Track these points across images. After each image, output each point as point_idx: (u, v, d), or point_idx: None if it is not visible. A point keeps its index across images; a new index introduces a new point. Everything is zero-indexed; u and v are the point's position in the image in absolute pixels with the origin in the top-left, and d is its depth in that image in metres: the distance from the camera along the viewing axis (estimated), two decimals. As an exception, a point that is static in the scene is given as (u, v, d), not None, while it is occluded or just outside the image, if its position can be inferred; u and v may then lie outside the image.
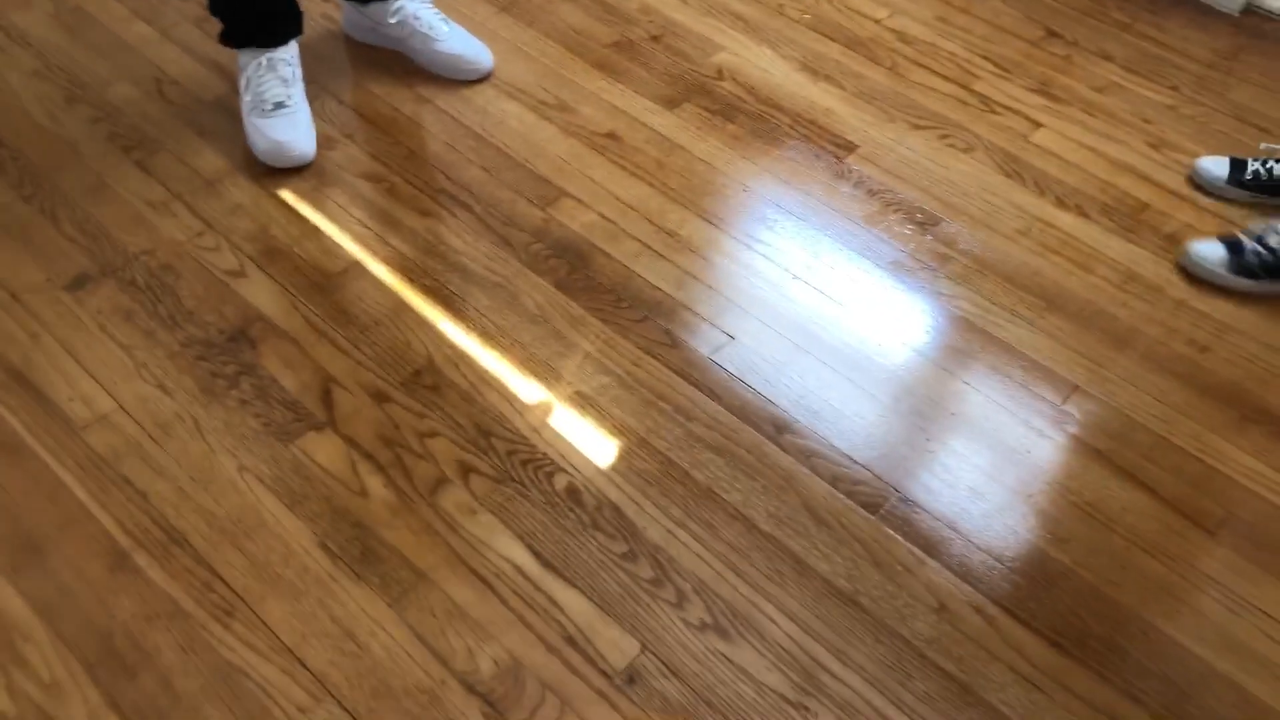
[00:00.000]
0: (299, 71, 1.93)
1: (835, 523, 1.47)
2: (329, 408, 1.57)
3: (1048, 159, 2.01)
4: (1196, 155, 2.01)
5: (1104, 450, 1.58)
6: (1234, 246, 1.77)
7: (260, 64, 1.89)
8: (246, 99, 1.89)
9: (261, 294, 1.71)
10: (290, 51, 1.92)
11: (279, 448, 1.51)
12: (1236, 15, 2.31)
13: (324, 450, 1.51)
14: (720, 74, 2.14)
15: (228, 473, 1.48)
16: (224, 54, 2.08)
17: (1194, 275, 1.79)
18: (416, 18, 2.05)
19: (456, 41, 2.07)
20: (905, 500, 1.51)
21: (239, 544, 1.41)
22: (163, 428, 1.53)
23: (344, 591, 1.37)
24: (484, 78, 2.09)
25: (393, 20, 2.06)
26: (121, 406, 1.55)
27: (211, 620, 1.34)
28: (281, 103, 1.88)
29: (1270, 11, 2.31)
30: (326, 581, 1.38)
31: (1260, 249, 1.75)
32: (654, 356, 1.67)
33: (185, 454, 1.50)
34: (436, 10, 2.09)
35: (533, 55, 2.15)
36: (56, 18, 2.15)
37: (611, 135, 2.01)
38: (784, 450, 1.55)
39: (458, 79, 2.07)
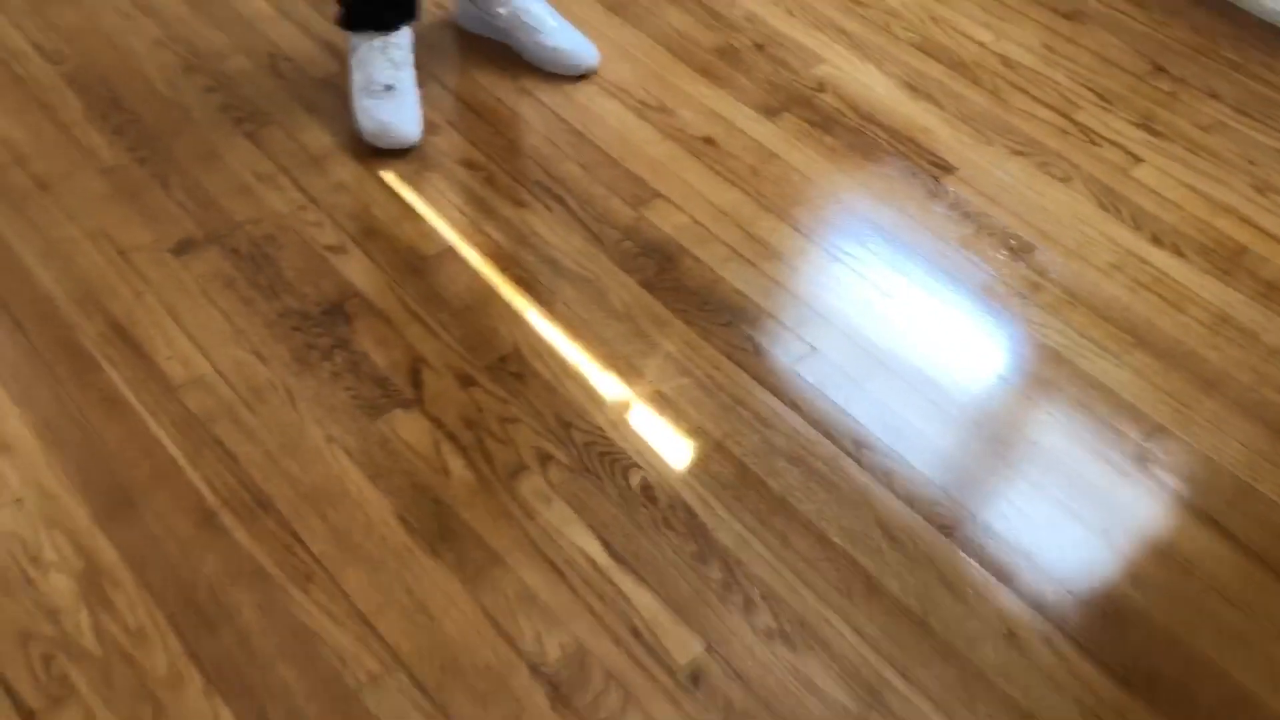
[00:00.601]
0: (410, 56, 1.97)
1: (909, 542, 1.47)
2: (417, 387, 1.60)
3: (1146, 195, 1.98)
4: (1302, 202, 1.98)
5: (1185, 493, 1.56)
6: None
7: (373, 46, 1.93)
8: (356, 79, 1.94)
9: (359, 271, 1.75)
10: (403, 36, 1.96)
11: (366, 422, 1.55)
12: (1353, 62, 2.27)
13: (409, 428, 1.55)
14: (821, 86, 2.14)
15: (315, 442, 1.52)
16: (336, 34, 2.14)
17: None
18: (526, 11, 2.09)
19: (563, 37, 2.10)
20: (981, 525, 1.50)
21: (322, 512, 1.45)
22: (256, 393, 1.57)
23: (420, 566, 1.40)
24: (587, 75, 2.11)
25: (502, 11, 2.09)
26: (217, 370, 1.60)
27: (291, 583, 1.37)
28: (391, 85, 1.92)
29: (1389, 60, 2.27)
30: (404, 555, 1.41)
31: None
32: (735, 362, 1.68)
33: (276, 421, 1.54)
34: (546, 5, 2.12)
35: (637, 56, 2.17)
36: (180, -11, 2.22)
37: (709, 140, 2.02)
38: (861, 466, 1.55)
39: (562, 74, 2.10)
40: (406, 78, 1.95)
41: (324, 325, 1.67)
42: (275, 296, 1.70)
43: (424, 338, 1.67)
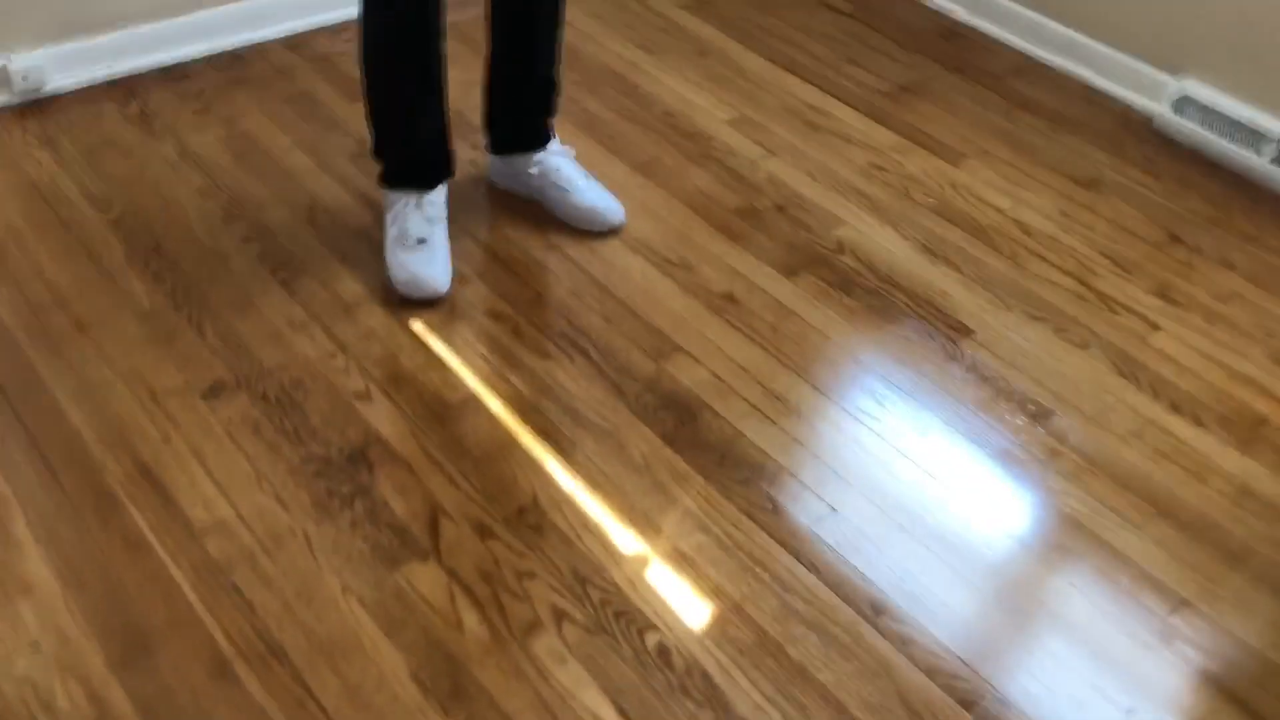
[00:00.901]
0: (444, 212, 2.04)
1: (929, 716, 1.44)
2: (435, 537, 1.61)
3: (1165, 363, 2.00)
4: (1320, 374, 1.99)
5: (1211, 671, 1.53)
6: None
7: (409, 203, 2.00)
8: (391, 232, 2.00)
9: (383, 418, 1.77)
10: (439, 194, 2.04)
11: (384, 572, 1.55)
12: (1366, 236, 2.31)
13: (426, 579, 1.55)
14: (841, 247, 2.20)
15: (332, 592, 1.52)
16: (373, 186, 2.21)
17: None
18: (557, 170, 2.16)
19: (592, 195, 2.17)
20: (1002, 700, 1.47)
21: (335, 665, 1.44)
22: (276, 540, 1.58)
23: (430, 725, 1.38)
24: (613, 231, 2.17)
25: (533, 170, 2.17)
26: (239, 515, 1.61)
27: (299, 738, 1.36)
28: (424, 239, 1.98)
29: (1402, 236, 2.30)
30: (415, 714, 1.39)
31: None
32: (755, 520, 1.68)
33: (294, 568, 1.54)
34: (576, 164, 2.20)
35: (661, 214, 2.23)
36: (227, 142, 2.32)
37: (729, 297, 2.07)
38: (881, 634, 1.54)
39: (589, 230, 2.16)
40: (439, 232, 2.01)
41: (346, 472, 1.69)
42: (300, 442, 1.72)
43: (444, 487, 1.68)
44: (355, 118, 2.39)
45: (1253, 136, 2.43)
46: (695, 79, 2.63)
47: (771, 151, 2.43)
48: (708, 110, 2.53)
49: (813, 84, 2.63)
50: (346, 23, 2.65)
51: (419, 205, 2.00)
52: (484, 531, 1.63)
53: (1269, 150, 2.41)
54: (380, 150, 2.02)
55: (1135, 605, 1.61)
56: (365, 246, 2.08)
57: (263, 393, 1.79)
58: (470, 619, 1.50)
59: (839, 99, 2.59)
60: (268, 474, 1.67)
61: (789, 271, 2.14)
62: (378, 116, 1.98)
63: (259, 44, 2.61)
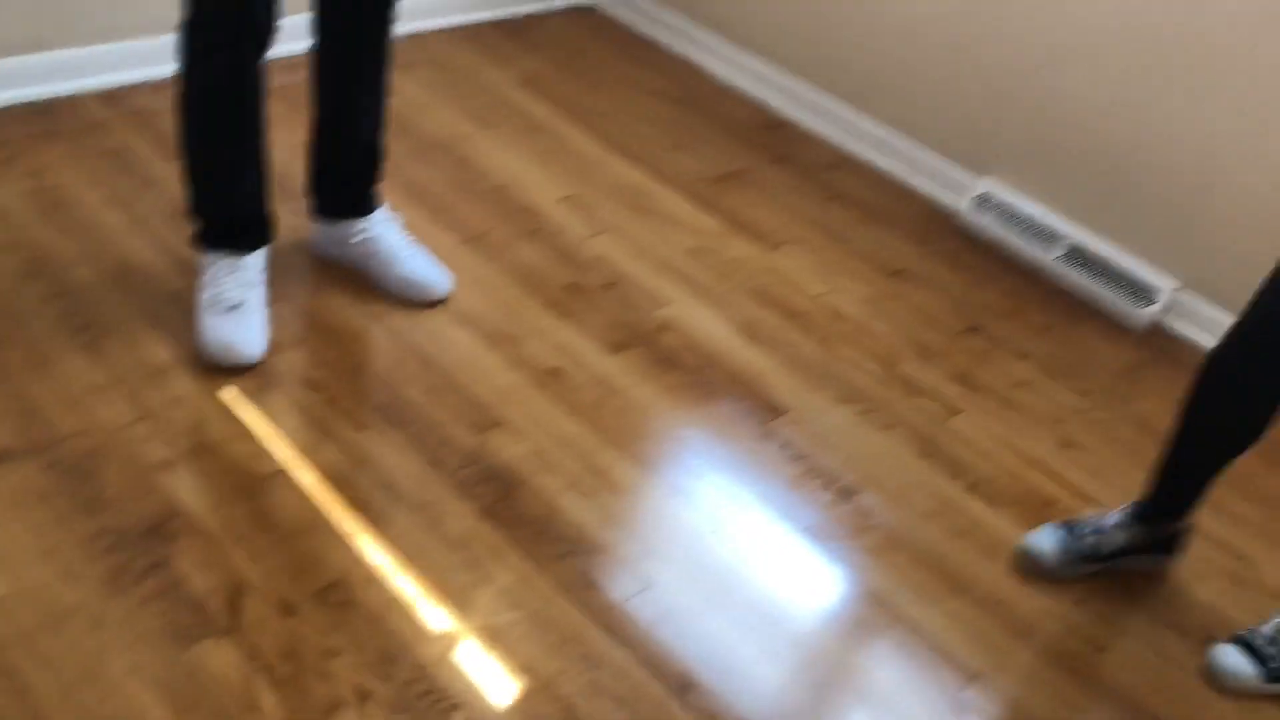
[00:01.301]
0: (261, 277, 2.00)
1: (730, 791, 1.46)
2: (235, 614, 1.55)
3: (963, 445, 2.11)
4: (1102, 457, 2.13)
5: (1000, 742, 1.60)
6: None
7: (226, 266, 1.95)
8: (205, 296, 1.95)
9: (186, 490, 1.70)
10: (257, 258, 1.99)
11: (176, 651, 1.48)
12: (1143, 332, 2.50)
13: (222, 658, 1.48)
14: (665, 326, 2.25)
15: (116, 673, 1.44)
16: (186, 249, 2.15)
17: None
18: (382, 240, 2.15)
19: (417, 265, 2.16)
20: (802, 774, 1.50)
21: (116, 751, 1.36)
22: (59, 617, 1.49)
23: (218, 814, 1.31)
24: (438, 303, 2.17)
25: (357, 239, 2.15)
26: (21, 590, 1.51)
27: (72, 832, 1.27)
28: (239, 304, 1.93)
29: (1173, 331, 2.51)
30: (201, 802, 1.32)
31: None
32: (569, 596, 1.68)
33: (77, 648, 1.46)
34: (402, 234, 2.19)
35: (488, 288, 2.24)
36: (34, 196, 2.21)
37: (554, 372, 2.08)
38: (687, 710, 1.55)
39: (413, 301, 2.15)
40: (255, 297, 1.97)
41: (142, 546, 1.61)
42: (92, 514, 1.63)
43: (247, 562, 1.62)
44: (173, 176, 2.32)
45: (1045, 235, 2.61)
46: (527, 155, 2.66)
47: (600, 230, 2.47)
48: (539, 186, 2.57)
49: (642, 167, 2.71)
50: (166, 79, 2.58)
51: (235, 269, 1.95)
52: (287, 609, 1.57)
53: (1059, 248, 2.59)
54: (196, 210, 1.96)
55: (932, 678, 1.67)
56: (177, 310, 2.01)
57: (55, 460, 1.70)
58: (268, 700, 1.45)
59: (666, 183, 2.67)
60: (54, 547, 1.58)
61: (614, 348, 2.17)
62: (194, 175, 1.93)
63: (71, 96, 2.52)
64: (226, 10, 1.76)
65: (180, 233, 2.17)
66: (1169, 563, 1.92)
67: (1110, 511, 1.89)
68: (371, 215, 2.16)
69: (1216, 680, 1.75)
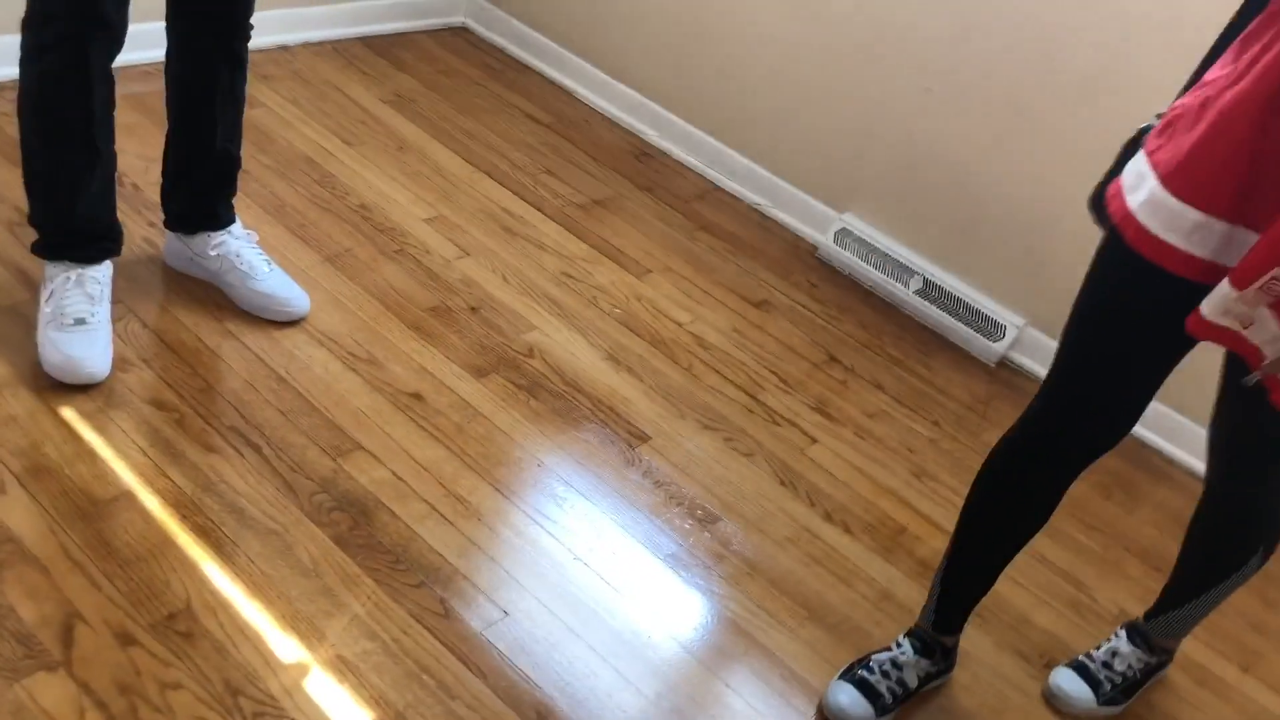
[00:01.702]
0: (108, 291, 1.91)
1: (585, 822, 1.45)
2: (67, 646, 1.47)
3: (820, 473, 2.15)
4: (952, 486, 2.20)
5: (850, 766, 1.63)
6: None
7: (69, 278, 1.86)
8: (46, 310, 1.85)
9: (18, 514, 1.61)
10: (103, 270, 1.91)
11: (2, 686, 1.39)
12: (993, 366, 2.60)
13: (52, 693, 1.40)
14: (530, 352, 2.23)
15: (-65, 710, 1.35)
16: (29, 260, 2.04)
17: None
18: (238, 255, 2.08)
19: (274, 282, 2.10)
20: (657, 803, 1.50)
21: (-70, 795, 1.27)
22: None
23: None
24: (296, 321, 2.11)
25: (213, 253, 2.08)
26: None
27: None
28: (83, 319, 1.84)
29: (1020, 366, 2.62)
30: (24, 847, 1.25)
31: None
32: (425, 626, 1.65)
33: (-111, 684, 1.36)
34: (259, 250, 2.13)
35: (350, 308, 2.19)
36: None
37: (416, 395, 2.05)
38: (543, 739, 1.53)
39: (270, 319, 2.09)
40: (101, 312, 1.88)
41: (-33, 574, 1.51)
42: (-88, 539, 1.53)
43: (84, 590, 1.54)
44: (14, 182, 2.20)
45: (901, 270, 2.70)
46: (393, 174, 2.63)
47: (466, 252, 2.45)
48: (404, 206, 2.53)
49: (510, 190, 2.70)
50: (9, 81, 2.46)
51: (79, 281, 1.87)
52: (126, 639, 1.50)
53: (915, 283, 2.68)
54: (37, 217, 1.87)
55: (785, 706, 1.69)
56: (14, 323, 1.91)
57: None
58: (101, 737, 1.38)
59: (535, 206, 2.67)
60: None
61: (478, 372, 2.15)
62: (34, 179, 1.85)
63: (-94, 94, 2.38)
64: (71, 3, 1.68)
65: (21, 241, 2.06)
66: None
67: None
68: (228, 229, 2.09)
69: (1056, 703, 1.82)
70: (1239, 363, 1.36)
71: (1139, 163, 1.36)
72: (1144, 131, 1.41)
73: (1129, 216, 1.35)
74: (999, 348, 2.59)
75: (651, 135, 3.07)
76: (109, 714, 1.40)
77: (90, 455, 1.74)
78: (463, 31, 3.33)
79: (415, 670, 1.58)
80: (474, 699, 1.56)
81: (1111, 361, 1.45)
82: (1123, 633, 1.88)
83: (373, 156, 2.66)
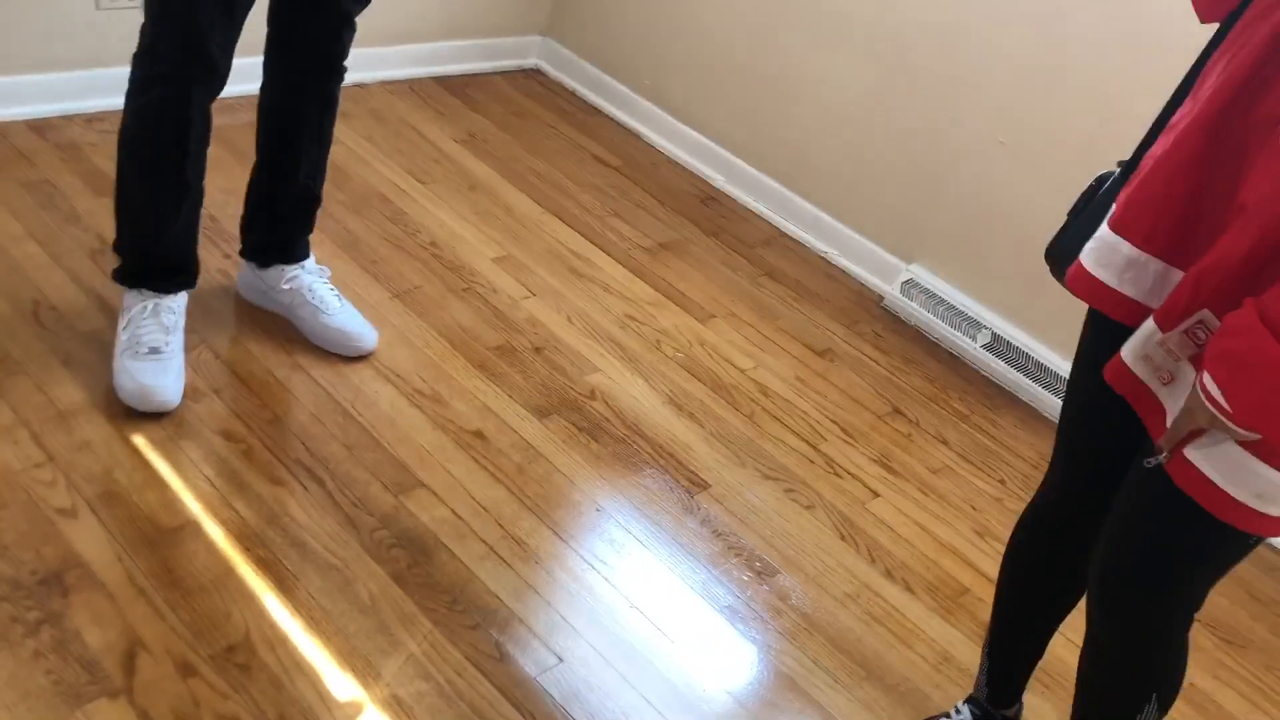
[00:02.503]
0: (182, 321, 1.95)
1: None
2: (129, 673, 1.49)
3: (881, 529, 2.12)
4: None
5: (906, 834, 1.59)
6: None
7: (145, 307, 1.91)
8: (123, 338, 1.89)
9: (88, 539, 1.64)
10: (179, 301, 1.95)
11: (63, 711, 1.41)
12: (1059, 423, 2.56)
13: (113, 721, 1.42)
14: (593, 394, 2.24)
15: (0, 732, 1.37)
16: (109, 288, 2.10)
17: None
18: (310, 289, 2.11)
19: (344, 317, 2.13)
20: None
21: (-9, 817, 1.29)
22: (-60, 670, 1.42)
23: None
24: (364, 356, 2.14)
25: (285, 287, 2.11)
26: (-100, 639, 1.44)
27: None
28: (157, 348, 1.88)
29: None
30: None
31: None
32: (480, 669, 1.64)
33: (-43, 704, 1.39)
34: (331, 285, 2.16)
35: (416, 344, 2.22)
36: (-53, 222, 2.15)
37: (478, 434, 2.06)
38: (594, 791, 1.52)
39: (339, 354, 2.12)
40: (175, 342, 1.92)
41: (36, 596, 1.54)
42: (-14, 561, 1.57)
43: (148, 618, 1.56)
44: (100, 211, 2.27)
45: (969, 323, 2.67)
46: (464, 213, 2.66)
47: (533, 292, 2.47)
48: (474, 245, 2.56)
49: (577, 231, 2.72)
50: (103, 112, 2.54)
51: (155, 311, 1.91)
52: (186, 669, 1.52)
53: (982, 337, 2.65)
54: (122, 245, 1.92)
55: (840, 767, 1.66)
56: (93, 350, 1.96)
57: (-51, 502, 1.63)
58: (158, 767, 1.39)
59: (601, 249, 2.68)
60: (-58, 594, 1.51)
61: (540, 413, 2.15)
62: (124, 208, 1.90)
63: None
64: (180, 43, 1.74)
65: (102, 270, 2.12)
66: None
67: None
68: (301, 264, 2.13)
69: None
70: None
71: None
72: (1102, 180, 1.34)
73: (1079, 264, 1.25)
74: (1067, 406, 2.55)
75: (719, 180, 3.08)
76: (167, 744, 1.42)
77: (159, 483, 1.77)
78: (535, 74, 3.37)
79: (469, 714, 1.57)
80: (526, 746, 1.55)
81: (1091, 433, 1.37)
82: None
83: (444, 195, 2.70)
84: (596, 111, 3.25)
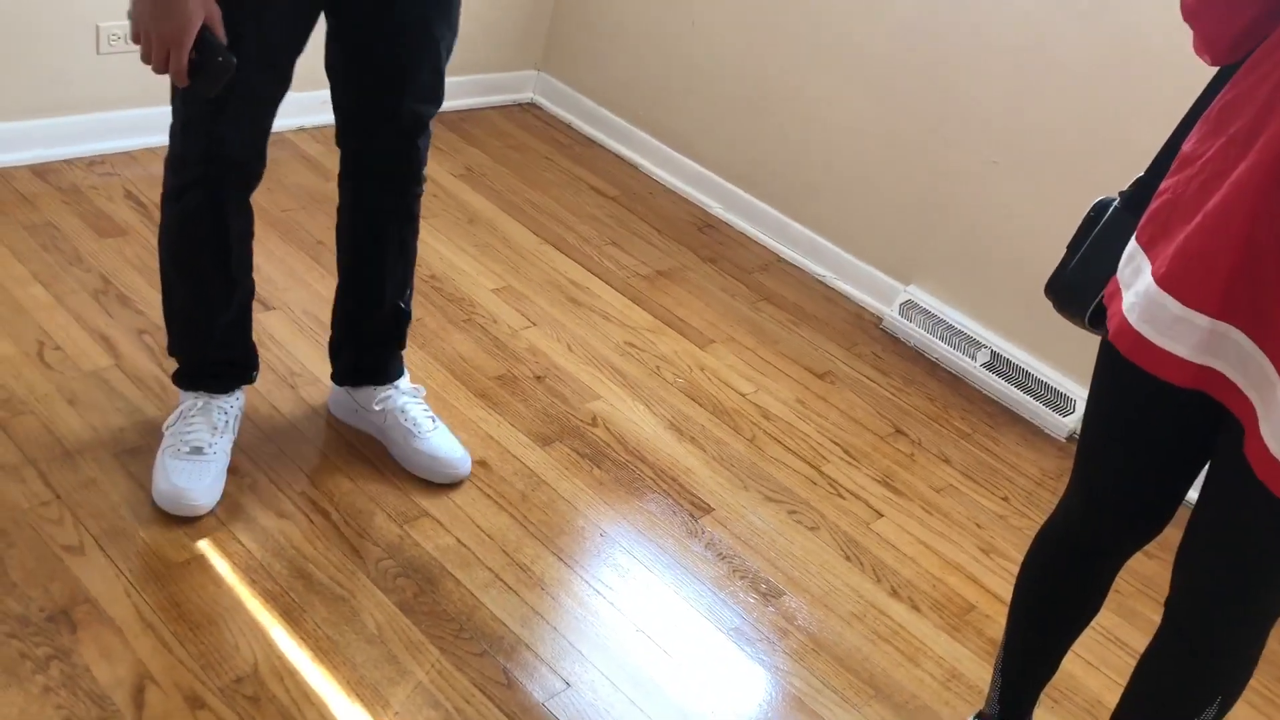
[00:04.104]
0: (234, 423, 1.89)
1: None
2: (139, 707, 1.49)
3: (886, 548, 2.13)
4: (1020, 564, 2.16)
5: None
6: None
7: (196, 405, 1.85)
8: (168, 435, 1.84)
9: (95, 575, 1.65)
10: (232, 401, 1.89)
11: (73, 747, 1.42)
12: (1063, 440, 2.56)
13: (122, 755, 1.42)
14: (594, 420, 2.25)
15: (10, 768, 1.37)
16: (112, 326, 2.12)
17: None
18: (403, 410, 2.00)
19: (437, 441, 2.00)
20: None
21: None
22: (-50, 708, 1.42)
23: None
24: (458, 484, 2.01)
25: (377, 408, 2.00)
26: (-90, 678, 1.44)
27: None
28: (200, 448, 1.82)
29: (1089, 441, 2.57)
30: None
31: None
32: (488, 695, 1.64)
33: (-33, 741, 1.39)
34: (425, 406, 2.04)
35: (418, 377, 2.23)
36: (-48, 266, 2.17)
37: (482, 463, 2.07)
38: (604, 815, 1.52)
39: (431, 480, 1.99)
40: (220, 445, 1.85)
41: (45, 633, 1.55)
42: (-6, 598, 1.57)
43: (156, 652, 1.57)
44: (103, 253, 2.30)
45: (968, 342, 2.68)
46: (463, 245, 2.68)
47: (533, 322, 2.49)
48: (473, 277, 2.58)
49: (576, 261, 2.74)
50: (105, 155, 2.57)
51: (205, 410, 1.85)
52: (195, 702, 1.52)
53: (982, 356, 2.66)
54: (175, 349, 1.86)
55: (851, 786, 1.66)
56: (97, 388, 1.97)
57: (-43, 541, 1.64)
58: (168, 800, 1.39)
59: (600, 277, 2.70)
60: (-50, 633, 1.51)
61: (543, 441, 2.16)
62: (171, 315, 1.83)
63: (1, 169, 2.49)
64: (204, 151, 1.67)
65: (105, 310, 2.14)
66: None
67: None
68: (395, 383, 2.02)
69: None
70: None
71: (1134, 255, 1.23)
72: (1100, 209, 1.33)
73: (1123, 319, 1.22)
74: (1069, 422, 2.55)
75: (715, 208, 3.10)
76: (176, 777, 1.42)
77: (165, 518, 1.78)
78: (531, 108, 3.41)
79: (477, 740, 1.57)
80: (535, 771, 1.55)
81: (1117, 471, 1.37)
82: None
83: (444, 228, 2.72)
84: (592, 143, 3.29)
